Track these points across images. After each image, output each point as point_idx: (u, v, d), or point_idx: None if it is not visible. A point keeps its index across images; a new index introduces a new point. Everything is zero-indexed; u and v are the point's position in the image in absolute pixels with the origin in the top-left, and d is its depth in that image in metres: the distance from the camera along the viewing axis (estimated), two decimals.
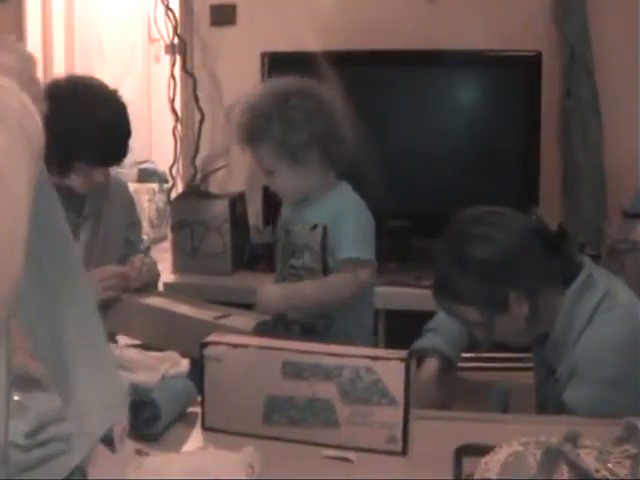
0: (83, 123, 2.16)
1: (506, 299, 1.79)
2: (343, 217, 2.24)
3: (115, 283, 2.22)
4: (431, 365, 2.04)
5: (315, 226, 2.26)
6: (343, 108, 2.23)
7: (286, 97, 2.17)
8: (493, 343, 1.95)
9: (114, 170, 2.46)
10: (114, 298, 2.20)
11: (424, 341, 2.08)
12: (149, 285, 2.38)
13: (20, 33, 3.51)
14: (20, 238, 0.82)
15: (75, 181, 2.21)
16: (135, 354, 1.70)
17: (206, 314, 2.08)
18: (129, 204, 2.52)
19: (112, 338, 2.25)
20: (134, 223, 2.55)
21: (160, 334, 2.08)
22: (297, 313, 2.21)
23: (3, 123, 0.85)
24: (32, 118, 0.91)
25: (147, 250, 2.57)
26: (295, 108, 2.16)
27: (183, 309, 2.13)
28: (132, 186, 2.74)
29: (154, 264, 2.46)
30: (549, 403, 1.86)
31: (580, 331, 1.77)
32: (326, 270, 2.26)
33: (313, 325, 2.23)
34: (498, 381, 2.18)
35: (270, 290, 2.27)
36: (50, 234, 1.07)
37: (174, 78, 3.60)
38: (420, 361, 2.04)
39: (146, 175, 5.50)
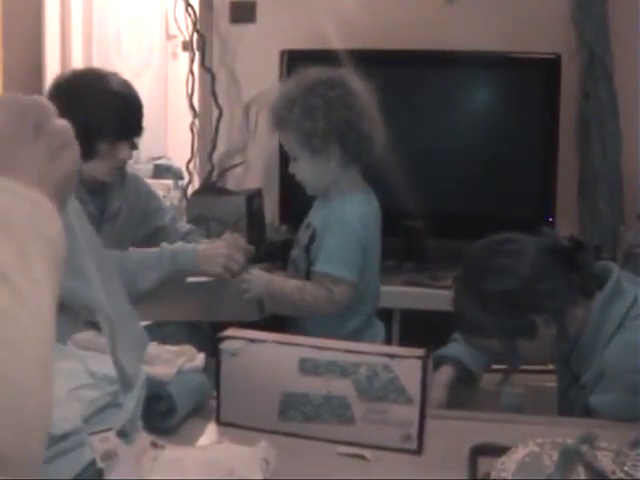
0: (101, 96, 2.19)
1: (533, 325, 1.78)
2: (329, 228, 2.20)
3: (241, 258, 2.23)
4: (446, 372, 2.04)
5: (309, 225, 2.27)
6: (374, 105, 2.18)
7: (313, 85, 2.16)
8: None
9: (130, 166, 2.46)
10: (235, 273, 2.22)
11: (447, 349, 2.08)
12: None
13: (38, 29, 3.53)
14: (48, 359, 0.69)
15: (99, 168, 2.22)
16: (151, 347, 1.69)
17: None
18: (146, 196, 2.49)
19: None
20: (158, 209, 2.50)
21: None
22: (272, 305, 2.23)
23: (7, 233, 0.70)
24: (48, 216, 0.75)
25: (190, 234, 2.52)
26: (317, 96, 2.14)
27: None
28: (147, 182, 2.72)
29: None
30: (574, 409, 1.84)
31: (609, 337, 1.75)
32: (309, 270, 2.24)
33: None
34: (510, 391, 2.18)
35: (259, 272, 2.28)
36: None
37: (193, 74, 3.61)
38: (438, 367, 2.04)
39: (161, 171, 5.49)
